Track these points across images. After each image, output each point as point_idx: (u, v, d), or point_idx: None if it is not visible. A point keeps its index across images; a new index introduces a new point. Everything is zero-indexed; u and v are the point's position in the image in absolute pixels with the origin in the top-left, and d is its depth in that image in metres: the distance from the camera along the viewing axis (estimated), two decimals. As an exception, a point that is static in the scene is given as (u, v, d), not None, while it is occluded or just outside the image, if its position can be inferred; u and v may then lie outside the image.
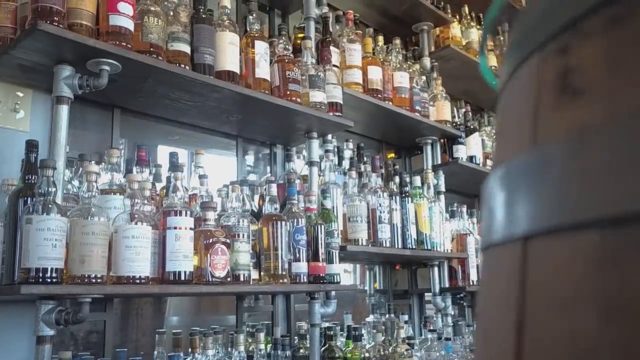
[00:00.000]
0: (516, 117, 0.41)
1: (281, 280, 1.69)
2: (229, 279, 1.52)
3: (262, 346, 1.81)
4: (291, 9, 2.30)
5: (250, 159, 2.32)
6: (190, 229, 1.46)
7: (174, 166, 1.62)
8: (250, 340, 1.89)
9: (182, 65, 1.52)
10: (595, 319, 0.29)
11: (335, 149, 2.22)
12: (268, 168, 2.22)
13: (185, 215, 1.45)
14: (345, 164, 2.27)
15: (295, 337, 2.06)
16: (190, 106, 1.74)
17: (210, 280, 1.47)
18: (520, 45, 0.42)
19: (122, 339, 1.92)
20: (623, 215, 0.28)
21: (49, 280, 1.18)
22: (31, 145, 1.34)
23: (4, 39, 1.39)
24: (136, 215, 1.38)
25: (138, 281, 1.34)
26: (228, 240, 1.53)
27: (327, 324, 2.07)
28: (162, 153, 1.96)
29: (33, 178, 1.29)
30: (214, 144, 2.12)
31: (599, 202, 0.29)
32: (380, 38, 2.41)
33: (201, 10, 1.62)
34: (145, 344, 2.02)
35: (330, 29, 2.15)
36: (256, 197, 1.96)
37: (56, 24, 1.26)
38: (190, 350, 1.65)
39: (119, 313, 2.05)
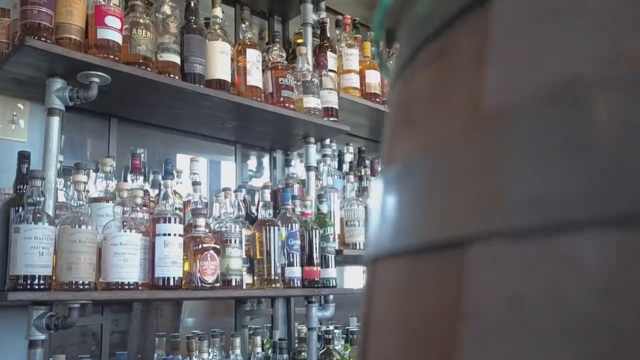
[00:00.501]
0: (385, 135, 0.42)
1: (274, 285, 1.71)
2: (218, 284, 1.55)
3: (259, 349, 1.84)
4: (291, 14, 2.32)
5: (252, 164, 2.36)
6: (180, 235, 1.49)
7: (167, 173, 1.66)
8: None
9: (172, 76, 1.55)
10: (400, 345, 0.30)
11: (335, 153, 2.24)
12: (267, 173, 2.25)
13: (174, 222, 1.48)
14: (346, 167, 2.28)
15: (296, 340, 2.08)
16: (184, 114, 1.78)
17: (200, 285, 1.50)
18: (394, 69, 0.43)
19: (142, 340, 1.97)
20: (422, 246, 0.29)
21: (36, 287, 1.23)
22: (23, 156, 1.40)
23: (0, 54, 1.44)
24: (125, 223, 1.42)
25: (127, 287, 1.38)
26: (218, 246, 1.56)
27: (331, 327, 2.09)
28: (182, 161, 2.01)
29: (24, 188, 1.34)
30: (216, 150, 2.15)
31: (408, 231, 0.31)
32: (381, 42, 2.41)
33: (192, 20, 1.65)
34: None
35: (328, 34, 2.17)
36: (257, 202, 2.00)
37: (44, 39, 1.31)
38: (187, 353, 1.69)
39: (138, 315, 2.11)
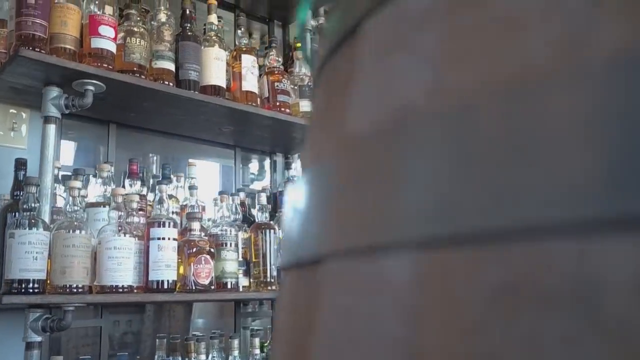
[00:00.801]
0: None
1: (269, 287, 1.73)
2: (213, 287, 1.57)
3: (258, 351, 1.86)
4: (290, 19, 2.34)
5: (254, 167, 2.38)
6: (174, 239, 1.52)
7: (164, 178, 1.69)
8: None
9: (166, 82, 1.58)
10: (283, 355, 0.32)
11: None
12: (268, 176, 2.28)
13: (168, 227, 1.52)
14: (346, 170, 2.30)
15: (296, 342, 2.10)
16: (182, 120, 1.81)
17: (194, 288, 1.53)
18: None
19: (153, 342, 2.01)
20: (300, 261, 0.31)
21: (30, 290, 1.27)
22: (19, 163, 1.44)
23: (-2, 64, 1.48)
24: (120, 228, 1.45)
25: (121, 290, 1.41)
26: (212, 250, 1.59)
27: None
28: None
29: (21, 194, 1.38)
30: (216, 154, 2.19)
31: (293, 245, 0.32)
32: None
33: (187, 27, 1.68)
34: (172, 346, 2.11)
35: (327, 38, 2.18)
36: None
37: (38, 49, 1.34)
38: (186, 354, 1.72)
39: (151, 316, 2.16)
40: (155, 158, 1.87)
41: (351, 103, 0.29)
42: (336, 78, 0.32)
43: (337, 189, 0.27)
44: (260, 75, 1.87)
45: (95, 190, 1.60)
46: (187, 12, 1.70)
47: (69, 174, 1.63)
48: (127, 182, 1.68)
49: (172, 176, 1.79)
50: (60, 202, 1.54)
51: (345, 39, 0.32)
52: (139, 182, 1.69)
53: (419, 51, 0.25)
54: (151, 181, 1.83)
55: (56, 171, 1.53)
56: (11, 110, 1.62)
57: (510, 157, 0.20)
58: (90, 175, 1.69)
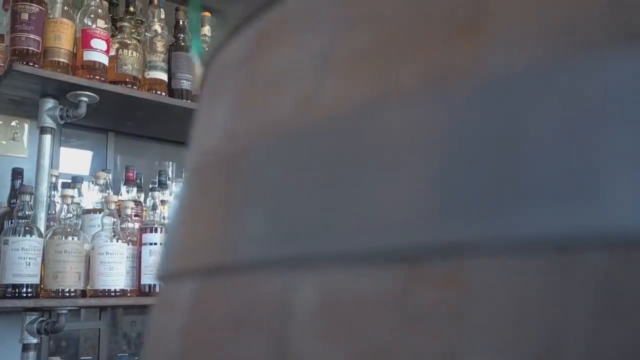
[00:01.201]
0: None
1: (262, 291, 1.77)
2: (204, 291, 1.62)
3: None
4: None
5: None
6: (166, 244, 1.57)
7: (160, 184, 1.74)
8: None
9: (159, 92, 1.63)
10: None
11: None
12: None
13: (160, 232, 1.56)
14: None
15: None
16: (178, 127, 1.85)
17: (185, 292, 1.58)
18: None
19: None
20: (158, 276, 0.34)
21: (24, 295, 1.33)
22: (16, 173, 1.50)
23: (-3, 77, 1.55)
24: (113, 234, 1.50)
25: (113, 294, 1.46)
26: (204, 254, 1.63)
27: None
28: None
29: (17, 202, 1.44)
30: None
31: (160, 263, 0.36)
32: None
33: (180, 38, 1.73)
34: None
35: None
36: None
37: (32, 63, 1.40)
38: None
39: None
40: (169, 164, 1.91)
41: (192, 138, 0.32)
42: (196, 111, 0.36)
43: (177, 216, 0.31)
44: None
45: (93, 197, 1.66)
46: (181, 23, 1.75)
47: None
48: (123, 188, 1.73)
49: (169, 182, 1.83)
50: (59, 209, 1.60)
51: (204, 75, 0.35)
52: (134, 189, 1.74)
53: (225, 96, 0.28)
54: (150, 186, 1.88)
55: (54, 179, 1.59)
56: (13, 122, 1.69)
57: (266, 200, 0.23)
58: (90, 183, 1.74)
